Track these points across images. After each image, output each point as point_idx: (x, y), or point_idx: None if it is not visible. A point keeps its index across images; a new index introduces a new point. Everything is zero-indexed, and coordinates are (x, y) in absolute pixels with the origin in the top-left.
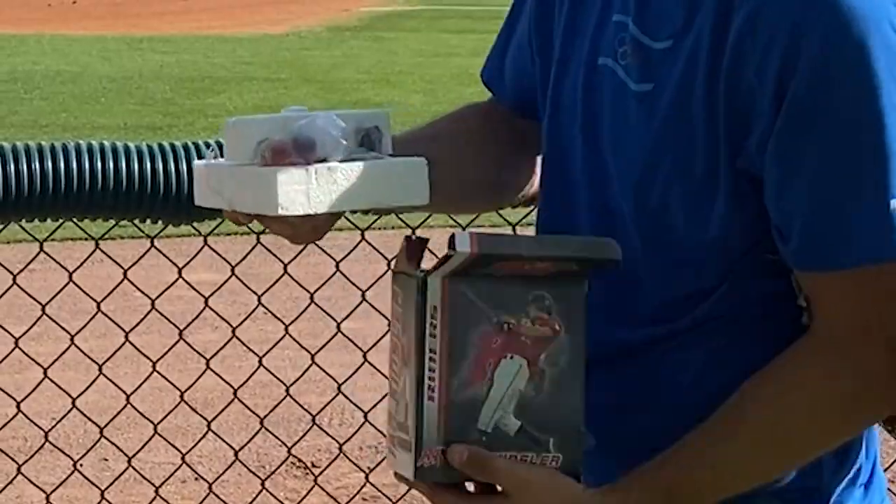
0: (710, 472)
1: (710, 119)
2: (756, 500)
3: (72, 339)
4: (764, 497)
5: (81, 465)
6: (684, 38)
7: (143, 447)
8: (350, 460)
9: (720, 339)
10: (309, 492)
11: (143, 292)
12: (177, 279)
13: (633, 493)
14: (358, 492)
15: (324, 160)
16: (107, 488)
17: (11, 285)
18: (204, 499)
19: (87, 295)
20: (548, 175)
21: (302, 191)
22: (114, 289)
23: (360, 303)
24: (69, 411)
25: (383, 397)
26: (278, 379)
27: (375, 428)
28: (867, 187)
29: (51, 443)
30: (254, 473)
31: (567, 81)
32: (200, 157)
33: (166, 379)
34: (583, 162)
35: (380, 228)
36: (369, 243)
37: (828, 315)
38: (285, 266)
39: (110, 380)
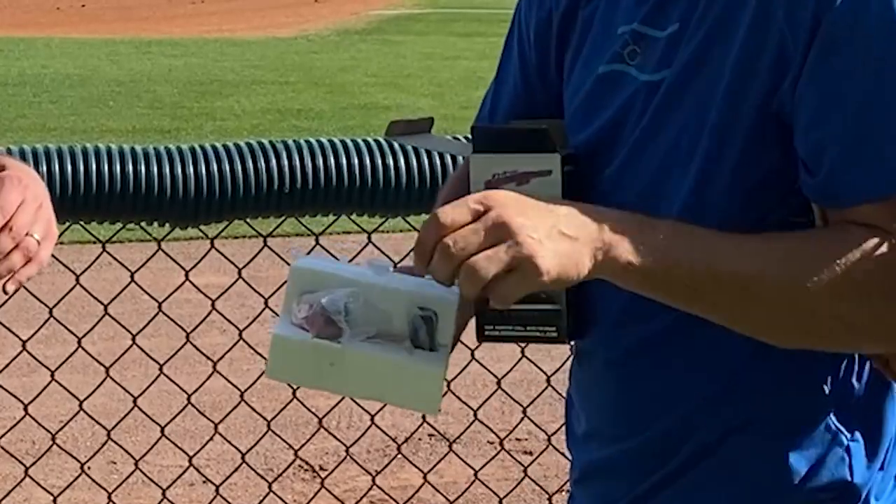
0: (701, 258)
1: (736, 78)
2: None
3: (79, 342)
4: (795, 498)
5: (89, 468)
6: (692, 15)
7: (150, 450)
8: (357, 463)
9: None
10: (316, 494)
11: (150, 295)
12: (184, 282)
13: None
14: (365, 494)
15: (338, 336)
16: (114, 491)
17: (19, 288)
18: (211, 502)
19: (95, 298)
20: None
21: (297, 360)
22: (121, 292)
23: None
24: (76, 414)
25: None
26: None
27: (382, 431)
28: None
29: (58, 445)
30: (261, 476)
31: (575, 97)
32: (207, 160)
33: (173, 382)
34: (600, 166)
35: (387, 231)
36: (376, 246)
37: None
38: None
39: (118, 383)
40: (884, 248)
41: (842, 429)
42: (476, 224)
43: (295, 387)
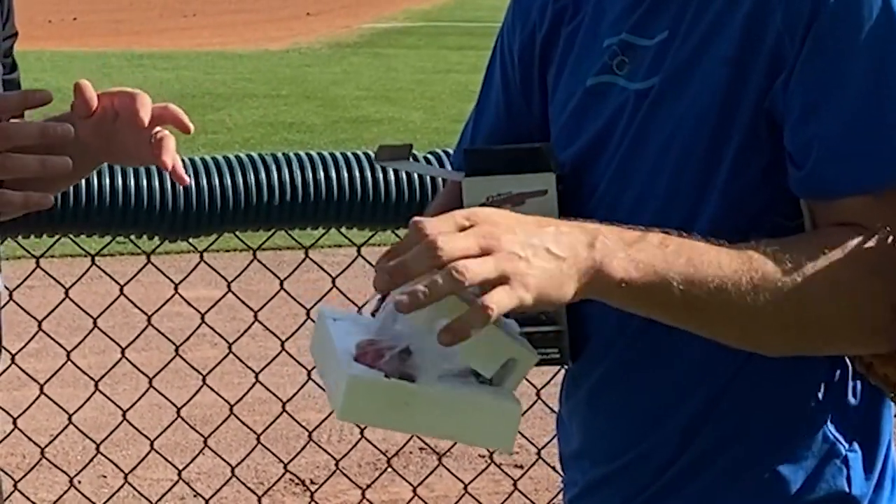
0: (694, 270)
1: (731, 81)
2: None
3: (68, 356)
4: None
5: (79, 482)
6: (682, 22)
7: (140, 464)
8: (348, 477)
9: None
10: None
11: (140, 309)
12: (173, 295)
13: (602, 240)
14: None
15: (413, 376)
16: None
17: (8, 301)
18: None
19: (84, 311)
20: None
21: (369, 401)
22: (110, 305)
23: None
24: (66, 428)
25: None
26: (275, 395)
27: (373, 445)
28: (891, 106)
29: (48, 459)
30: (251, 490)
31: (562, 113)
32: (197, 173)
33: (164, 395)
34: (589, 177)
35: (377, 245)
36: (366, 259)
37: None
38: (282, 282)
39: (107, 396)
40: (866, 247)
41: (839, 438)
42: (466, 232)
43: (284, 399)
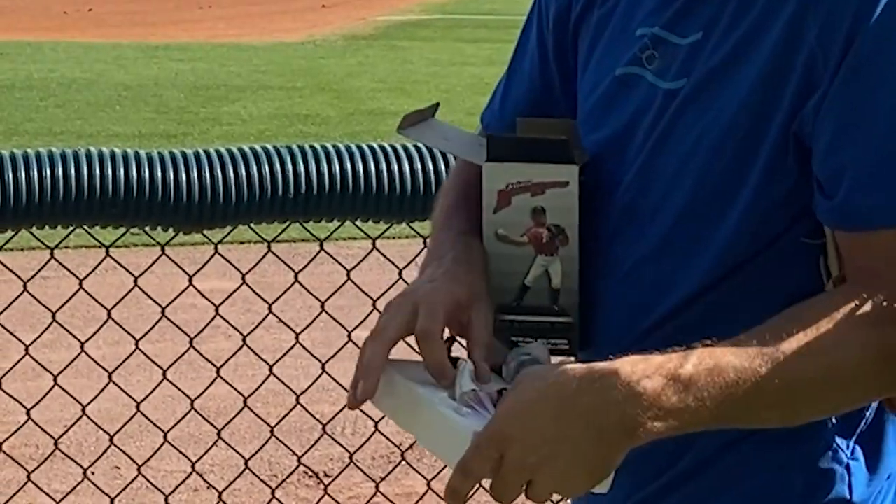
0: (723, 400)
1: (761, 96)
2: None
3: (82, 347)
4: None
5: (92, 473)
6: (717, 26)
7: (153, 455)
8: (361, 470)
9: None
10: (320, 501)
11: (154, 300)
12: (188, 287)
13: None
14: (369, 501)
15: None
16: (117, 496)
17: (22, 292)
18: None
19: (99, 303)
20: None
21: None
22: (125, 296)
23: (372, 311)
24: (80, 419)
25: None
26: (289, 388)
27: (387, 437)
28: None
29: (61, 450)
30: (265, 482)
31: (590, 97)
32: (211, 165)
33: (177, 387)
34: (611, 170)
35: (392, 238)
36: (381, 252)
37: (871, 275)
38: (296, 274)
39: (121, 388)
40: (885, 307)
41: (842, 446)
42: (499, 477)
43: (298, 392)
